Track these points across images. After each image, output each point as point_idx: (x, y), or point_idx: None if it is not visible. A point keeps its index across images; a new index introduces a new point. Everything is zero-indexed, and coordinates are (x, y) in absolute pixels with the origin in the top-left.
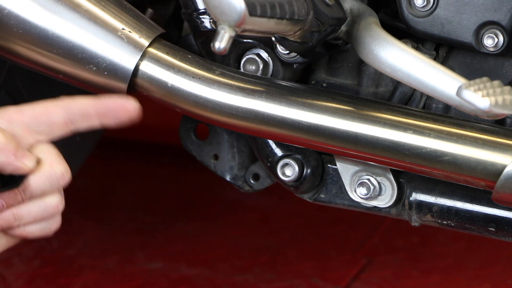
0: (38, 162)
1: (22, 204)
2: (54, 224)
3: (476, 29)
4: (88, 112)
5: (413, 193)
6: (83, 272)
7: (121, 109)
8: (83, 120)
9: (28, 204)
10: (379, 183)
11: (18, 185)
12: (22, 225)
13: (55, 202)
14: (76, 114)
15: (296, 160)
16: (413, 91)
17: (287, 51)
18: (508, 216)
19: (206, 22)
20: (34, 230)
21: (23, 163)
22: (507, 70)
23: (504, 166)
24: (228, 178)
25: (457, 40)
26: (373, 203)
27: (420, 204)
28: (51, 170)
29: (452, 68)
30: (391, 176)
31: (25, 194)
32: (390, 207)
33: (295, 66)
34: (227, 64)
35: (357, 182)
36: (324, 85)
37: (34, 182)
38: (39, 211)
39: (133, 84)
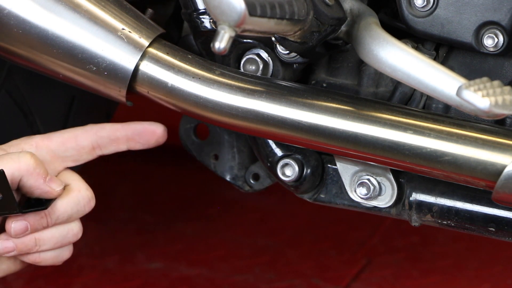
0: (65, 188)
1: (45, 229)
2: (66, 253)
3: (476, 29)
4: (117, 136)
5: (413, 193)
6: (83, 272)
7: (151, 133)
8: (111, 144)
9: (51, 229)
10: (379, 183)
11: (45, 208)
12: (41, 251)
13: (77, 229)
14: (105, 138)
15: (296, 160)
16: (413, 91)
17: (287, 51)
18: (508, 216)
19: (206, 22)
20: (48, 257)
21: (51, 187)
22: (507, 70)
23: (504, 166)
24: (228, 178)
25: (457, 40)
26: (373, 203)
27: (420, 204)
28: (79, 195)
29: (452, 68)
30: (391, 176)
31: (51, 218)
32: (390, 207)
33: (295, 66)
34: (227, 64)
35: (357, 182)
36: (324, 85)
37: (62, 206)
38: (61, 237)
39: (133, 84)
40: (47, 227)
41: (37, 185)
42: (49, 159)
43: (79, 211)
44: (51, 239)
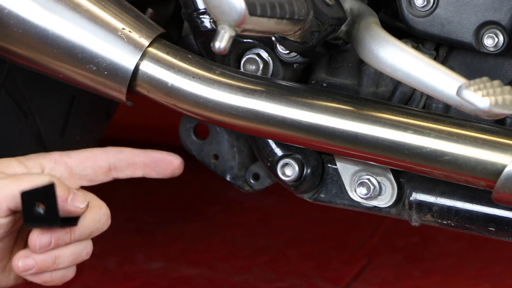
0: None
1: (66, 246)
2: (71, 273)
3: (476, 29)
4: (135, 161)
5: (413, 193)
6: (83, 272)
7: (167, 163)
8: (127, 168)
9: (70, 247)
10: (379, 183)
11: (75, 224)
12: (57, 269)
13: (90, 247)
14: (123, 161)
15: (296, 160)
16: (413, 91)
17: (287, 51)
18: (508, 216)
19: (206, 22)
20: (58, 277)
21: (75, 206)
22: (507, 70)
23: (504, 166)
24: (228, 178)
25: (457, 40)
26: (373, 203)
27: (420, 204)
28: (100, 212)
29: (452, 68)
30: (391, 176)
31: (74, 235)
32: (390, 207)
33: (295, 66)
34: (227, 64)
35: (357, 182)
36: (324, 85)
37: (85, 223)
38: (77, 254)
39: (133, 84)
40: (69, 243)
41: (60, 207)
42: (67, 176)
43: (99, 229)
44: (69, 256)
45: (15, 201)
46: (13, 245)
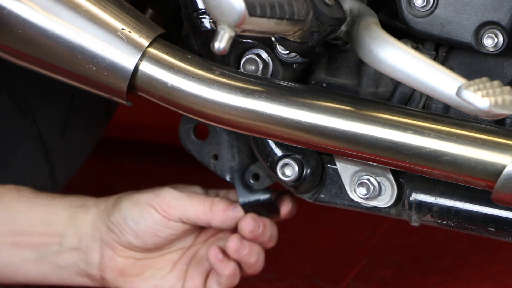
0: None
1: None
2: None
3: (476, 29)
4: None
5: (413, 193)
6: None
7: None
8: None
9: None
10: (379, 183)
11: (279, 213)
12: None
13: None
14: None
15: (296, 160)
16: (413, 91)
17: (287, 51)
18: (508, 216)
19: (206, 22)
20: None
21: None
22: (507, 70)
23: (504, 166)
24: (228, 178)
25: (457, 40)
26: (373, 203)
27: (420, 204)
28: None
29: (452, 68)
30: (391, 176)
31: (270, 231)
32: (390, 207)
33: (295, 66)
34: (227, 64)
35: (357, 182)
36: (324, 85)
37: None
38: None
39: (132, 84)
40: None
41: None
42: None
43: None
44: (256, 254)
45: (186, 215)
46: (186, 270)
